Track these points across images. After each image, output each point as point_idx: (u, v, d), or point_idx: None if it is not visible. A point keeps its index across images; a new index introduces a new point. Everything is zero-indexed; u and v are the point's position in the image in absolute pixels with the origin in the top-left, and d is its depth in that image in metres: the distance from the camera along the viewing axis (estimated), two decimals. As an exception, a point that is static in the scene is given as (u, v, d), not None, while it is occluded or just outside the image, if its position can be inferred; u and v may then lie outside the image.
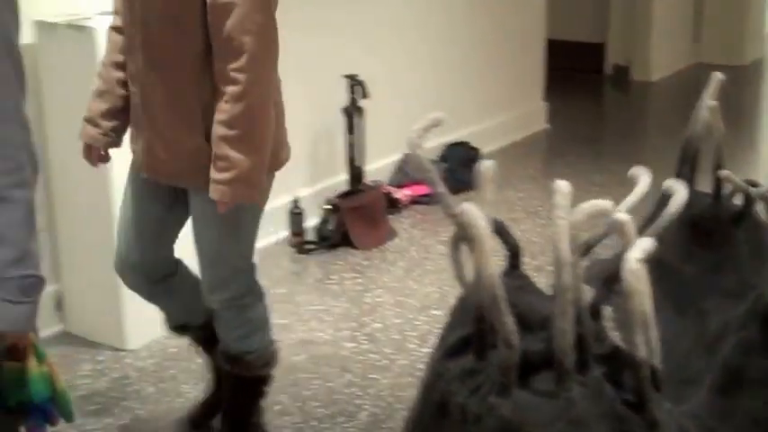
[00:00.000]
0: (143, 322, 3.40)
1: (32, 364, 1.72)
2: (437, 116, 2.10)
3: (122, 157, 3.25)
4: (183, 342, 3.43)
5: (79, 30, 3.19)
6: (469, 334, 2.02)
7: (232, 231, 2.56)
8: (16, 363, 1.70)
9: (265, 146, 2.41)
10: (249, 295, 2.65)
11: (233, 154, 2.32)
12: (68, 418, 1.83)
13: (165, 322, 2.86)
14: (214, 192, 2.35)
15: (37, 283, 1.69)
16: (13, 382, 1.71)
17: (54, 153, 3.38)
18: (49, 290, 3.43)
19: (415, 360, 3.32)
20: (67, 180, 3.39)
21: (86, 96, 3.16)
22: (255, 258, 3.82)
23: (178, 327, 2.84)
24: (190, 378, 3.21)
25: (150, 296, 2.77)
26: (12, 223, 1.63)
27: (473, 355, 1.98)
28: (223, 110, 2.32)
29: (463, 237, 2.06)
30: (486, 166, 2.06)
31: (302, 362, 3.34)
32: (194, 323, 2.80)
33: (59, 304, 3.52)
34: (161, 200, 2.61)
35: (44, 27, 3.27)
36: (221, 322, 2.66)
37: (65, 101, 3.29)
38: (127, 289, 3.31)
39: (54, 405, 1.77)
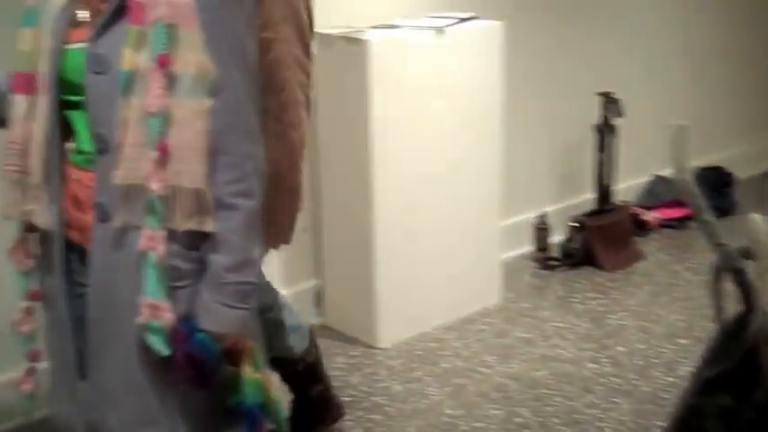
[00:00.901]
0: (394, 323, 3.58)
1: (247, 370, 1.77)
2: (681, 125, 2.03)
3: (386, 161, 3.43)
4: (430, 345, 3.58)
5: (353, 42, 3.37)
6: (728, 370, 1.97)
7: None
8: (232, 367, 1.76)
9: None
10: None
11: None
12: (280, 426, 1.87)
13: None
14: None
15: (254, 290, 1.72)
16: (227, 385, 1.76)
17: (323, 156, 3.60)
18: (310, 284, 3.71)
19: (659, 388, 3.27)
20: (333, 182, 3.60)
21: (357, 105, 3.37)
22: (499, 270, 3.92)
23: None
24: (435, 381, 3.33)
25: None
26: (233, 230, 1.66)
27: (732, 393, 1.94)
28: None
29: (727, 267, 2.02)
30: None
31: (544, 377, 3.37)
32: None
33: (319, 299, 3.75)
34: None
35: (321, 38, 3.46)
36: None
37: (336, 109, 3.50)
38: (382, 289, 3.50)
39: (264, 412, 1.81)
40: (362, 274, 3.53)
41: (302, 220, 3.61)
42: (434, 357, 3.50)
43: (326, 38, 3.44)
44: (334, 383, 3.26)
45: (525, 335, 3.69)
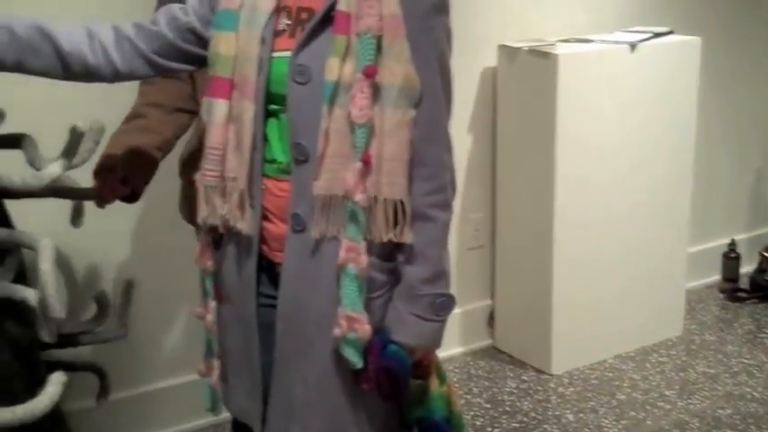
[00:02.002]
0: (569, 349, 3.44)
1: (434, 384, 1.75)
2: None
3: (569, 179, 3.30)
4: (606, 374, 3.41)
5: (541, 56, 3.26)
6: None
7: None
8: (420, 380, 1.73)
9: None
10: None
11: None
12: None
13: None
14: None
15: (448, 302, 1.69)
16: (414, 398, 1.74)
17: (500, 170, 3.51)
18: (482, 304, 3.62)
19: None
20: (511, 198, 3.49)
21: (542, 121, 3.26)
22: (683, 299, 3.71)
23: None
24: (610, 412, 3.16)
25: None
26: (430, 242, 1.65)
27: None
28: None
29: None
30: None
31: (728, 417, 3.14)
32: None
33: (491, 320, 3.65)
34: None
35: (507, 51, 3.39)
36: None
37: (517, 122, 3.40)
38: (558, 313, 3.37)
39: (450, 426, 1.77)
40: (538, 295, 3.41)
41: (478, 237, 3.56)
42: (610, 388, 3.34)
43: (512, 50, 3.36)
44: (505, 408, 3.17)
45: (709, 370, 3.47)
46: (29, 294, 1.88)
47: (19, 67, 1.70)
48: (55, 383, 1.86)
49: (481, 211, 3.55)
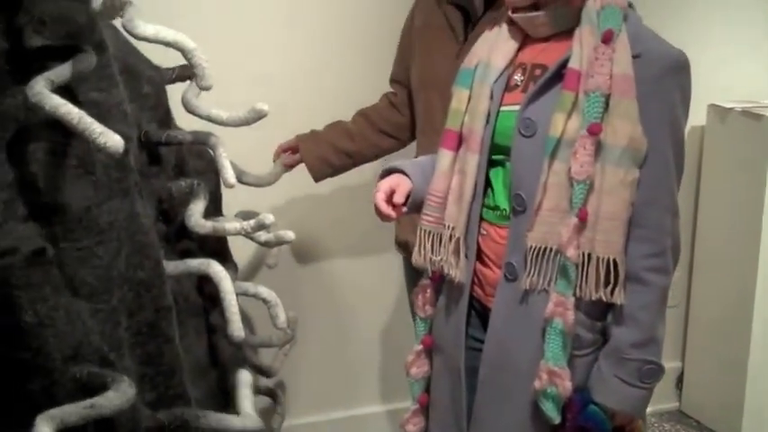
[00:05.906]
0: (761, 421, 3.27)
1: None
2: None
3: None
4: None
5: (754, 117, 3.17)
6: None
7: None
8: None
9: None
10: None
11: None
12: None
13: None
14: None
15: (655, 371, 1.65)
16: None
17: (701, 229, 3.42)
18: (671, 366, 3.50)
19: None
20: (710, 258, 3.39)
21: (751, 183, 3.16)
22: None
23: None
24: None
25: None
26: (643, 306, 1.62)
27: None
28: None
29: None
30: None
31: None
32: None
33: (679, 382, 3.54)
34: None
35: (716, 111, 3.31)
36: None
37: (724, 183, 3.31)
38: (752, 382, 3.21)
39: None
40: (732, 360, 3.28)
41: (672, 296, 3.45)
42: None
43: (723, 110, 3.29)
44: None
45: None
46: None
47: None
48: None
49: (678, 269, 3.45)
